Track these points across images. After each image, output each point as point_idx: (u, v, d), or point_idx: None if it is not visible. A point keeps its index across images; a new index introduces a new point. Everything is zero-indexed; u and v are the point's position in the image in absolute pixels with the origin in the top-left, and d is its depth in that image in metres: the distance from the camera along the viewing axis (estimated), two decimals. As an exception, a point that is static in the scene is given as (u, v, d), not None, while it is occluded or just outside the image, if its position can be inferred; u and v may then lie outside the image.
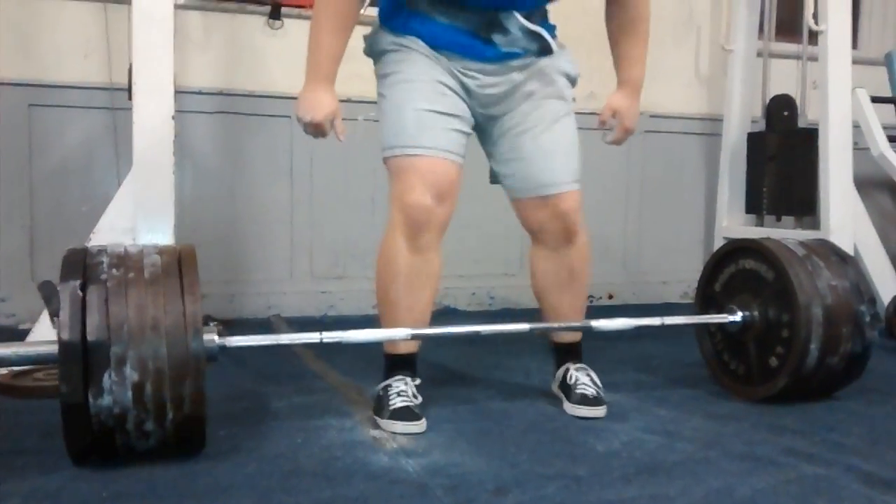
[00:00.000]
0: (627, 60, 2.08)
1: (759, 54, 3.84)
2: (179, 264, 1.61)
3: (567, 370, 2.08)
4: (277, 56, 3.32)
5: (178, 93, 2.59)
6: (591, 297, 3.86)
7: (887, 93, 3.69)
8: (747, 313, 2.15)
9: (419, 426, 1.85)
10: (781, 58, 3.90)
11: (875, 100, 3.43)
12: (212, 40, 3.27)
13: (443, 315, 3.44)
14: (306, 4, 3.38)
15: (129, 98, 2.48)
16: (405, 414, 1.86)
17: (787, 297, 2.05)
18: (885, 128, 3.39)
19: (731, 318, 2.16)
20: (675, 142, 3.98)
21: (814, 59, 3.43)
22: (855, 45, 4.02)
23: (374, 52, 1.99)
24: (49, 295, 1.57)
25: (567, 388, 2.05)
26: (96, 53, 3.10)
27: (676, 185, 4.01)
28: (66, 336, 1.47)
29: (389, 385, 1.94)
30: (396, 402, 1.88)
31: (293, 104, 1.89)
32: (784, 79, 3.82)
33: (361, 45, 2.01)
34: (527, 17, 1.89)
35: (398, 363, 1.98)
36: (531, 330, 2.00)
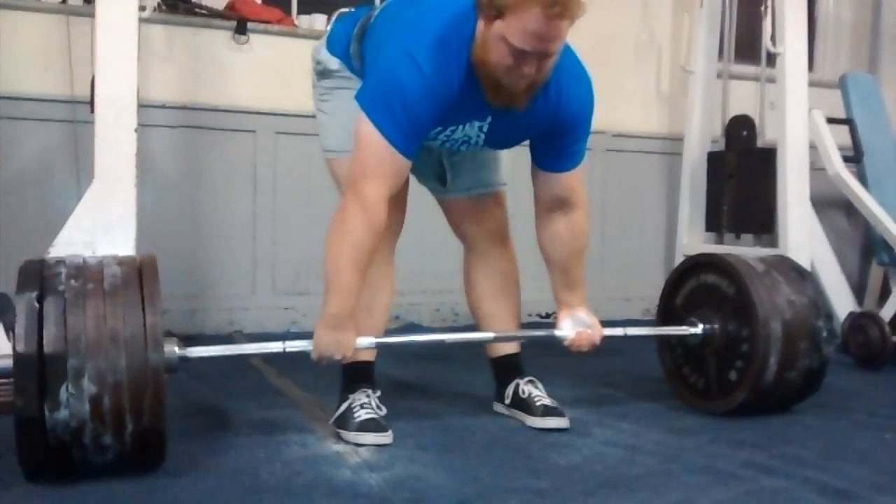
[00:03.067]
0: (579, 282, 2.05)
1: (719, 75, 3.92)
2: (140, 275, 1.59)
3: (517, 385, 2.09)
4: (242, 71, 3.32)
5: (142, 106, 2.57)
6: (553, 313, 3.88)
7: (842, 114, 3.78)
8: (708, 326, 2.17)
9: (387, 437, 1.85)
10: (741, 79, 3.99)
11: (831, 121, 3.51)
12: (176, 54, 3.25)
13: (407, 331, 3.43)
14: (272, 20, 3.39)
15: (92, 111, 2.45)
16: (372, 425, 1.86)
17: (747, 311, 2.08)
18: (839, 148, 3.47)
19: (692, 330, 2.19)
20: (636, 160, 4.03)
21: (772, 80, 3.51)
22: (811, 67, 4.12)
23: (323, 68, 1.98)
24: (4, 307, 1.54)
25: (524, 403, 2.06)
26: (57, 65, 3.07)
27: (638, 203, 4.06)
28: (21, 348, 1.44)
29: (351, 397, 1.93)
30: (362, 415, 1.88)
31: (314, 333, 1.81)
32: (743, 99, 3.90)
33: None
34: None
35: (357, 374, 1.98)
36: (495, 339, 2.03)
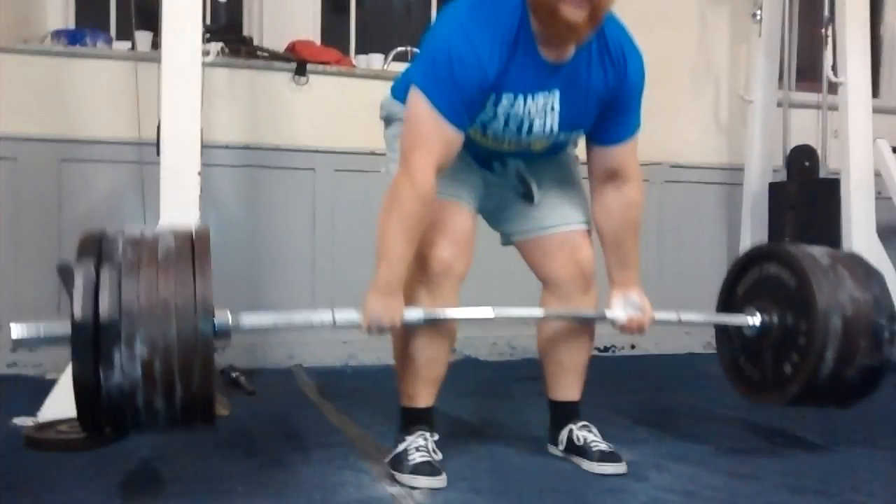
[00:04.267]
0: (633, 260, 2.03)
1: (779, 104, 3.86)
2: (192, 247, 1.62)
3: (570, 432, 2.06)
4: (302, 111, 3.40)
5: (205, 147, 2.65)
6: (612, 346, 3.85)
7: (910, 141, 3.69)
8: (766, 318, 2.11)
9: (440, 481, 1.85)
10: (802, 107, 3.92)
11: (897, 150, 3.43)
12: (239, 96, 3.35)
13: (463, 364, 3.44)
14: (331, 61, 3.47)
15: (158, 153, 2.54)
16: (426, 469, 1.86)
17: (807, 304, 2.00)
18: (907, 178, 3.38)
19: (750, 320, 2.12)
20: (694, 191, 3.98)
21: (834, 108, 3.45)
22: (876, 93, 4.02)
23: (390, 117, 2.03)
24: (66, 277, 1.60)
25: (580, 449, 2.03)
26: (126, 109, 3.18)
27: (697, 234, 4.00)
28: (78, 315, 1.49)
29: (408, 440, 1.94)
30: (416, 458, 1.88)
31: (363, 301, 1.84)
32: (804, 128, 3.83)
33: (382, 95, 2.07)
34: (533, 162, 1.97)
35: (415, 418, 1.99)
36: (545, 315, 2.03)
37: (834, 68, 3.28)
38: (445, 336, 1.98)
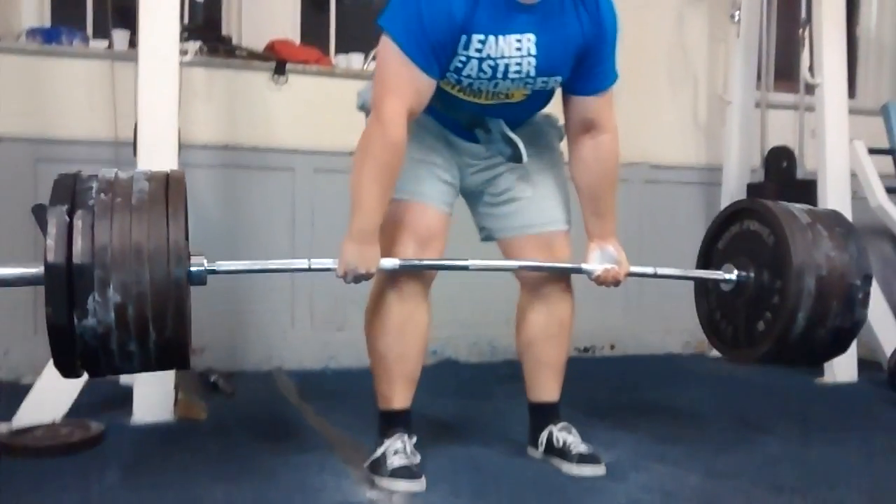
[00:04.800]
0: (609, 212, 2.04)
1: (758, 105, 3.89)
2: (167, 191, 1.62)
3: (550, 433, 2.07)
4: (281, 110, 3.37)
5: (183, 147, 2.63)
6: (592, 346, 3.86)
7: (885, 141, 3.72)
8: (742, 274, 2.10)
9: (419, 484, 1.85)
10: (780, 108, 3.95)
11: (873, 151, 3.46)
12: (217, 95, 3.32)
13: (443, 366, 3.44)
14: (310, 60, 3.45)
15: (135, 153, 2.51)
16: (405, 472, 1.86)
17: (782, 263, 2.00)
18: (882, 177, 3.41)
19: (726, 275, 2.13)
20: (673, 191, 4.00)
21: (812, 109, 3.48)
22: (852, 94, 4.06)
23: (363, 102, 2.01)
24: (41, 218, 1.59)
25: (559, 451, 2.04)
26: (102, 109, 3.15)
27: (676, 234, 3.99)
28: (52, 259, 1.50)
29: (386, 443, 1.94)
30: (395, 461, 1.88)
31: (340, 248, 1.86)
32: (782, 128, 3.86)
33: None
34: (514, 122, 1.96)
35: (394, 420, 1.99)
36: (520, 266, 2.01)
37: (811, 69, 3.31)
38: (415, 332, 1.98)
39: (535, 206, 2.05)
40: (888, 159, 3.69)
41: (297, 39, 3.60)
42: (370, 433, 2.04)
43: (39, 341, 2.97)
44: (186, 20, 3.18)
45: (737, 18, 3.73)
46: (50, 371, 2.42)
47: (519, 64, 1.82)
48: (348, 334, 3.42)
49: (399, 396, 1.99)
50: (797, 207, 2.13)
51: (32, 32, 3.22)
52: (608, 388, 3.05)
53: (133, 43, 2.90)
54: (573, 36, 1.83)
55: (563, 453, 2.03)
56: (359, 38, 3.67)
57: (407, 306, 1.95)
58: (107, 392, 2.49)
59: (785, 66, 4.03)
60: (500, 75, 1.83)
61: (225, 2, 3.62)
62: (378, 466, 1.89)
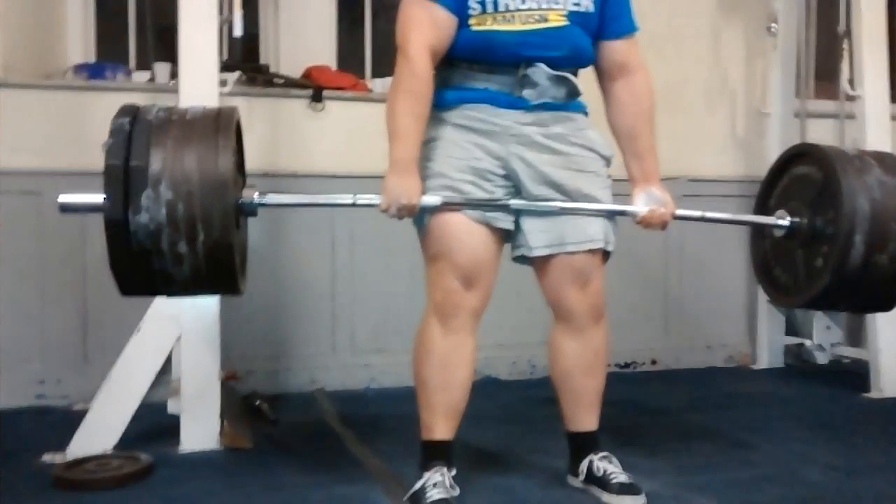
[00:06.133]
0: (650, 152, 2.03)
1: (797, 115, 3.85)
2: (219, 114, 1.81)
3: (591, 462, 2.07)
4: (319, 137, 3.42)
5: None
6: (633, 362, 3.85)
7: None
8: (795, 219, 2.06)
9: (457, 518, 1.87)
10: (819, 117, 3.90)
11: (917, 161, 3.40)
12: (256, 124, 3.37)
13: (483, 384, 3.45)
14: (346, 86, 3.50)
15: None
16: (443, 507, 1.88)
17: (833, 191, 1.94)
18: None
19: (779, 221, 2.08)
20: (714, 205, 3.90)
21: (852, 116, 3.44)
22: (893, 97, 3.98)
23: None
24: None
25: (599, 480, 2.04)
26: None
27: (717, 248, 3.98)
28: (110, 160, 1.66)
29: (426, 476, 1.96)
30: (433, 495, 1.91)
31: (381, 184, 1.91)
32: (822, 138, 3.80)
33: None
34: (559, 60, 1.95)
35: (434, 452, 2.01)
36: (561, 210, 1.94)
37: (851, 82, 3.27)
38: (460, 363, 1.99)
39: (576, 220, 1.98)
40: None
41: (333, 65, 3.65)
42: (411, 462, 2.06)
43: (90, 369, 3.11)
44: (225, 54, 3.25)
45: (773, 30, 3.69)
46: (101, 400, 2.50)
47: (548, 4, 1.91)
48: (388, 357, 3.47)
49: (440, 427, 2.01)
50: (848, 147, 2.10)
51: (79, 68, 3.32)
52: (649, 411, 3.04)
53: (174, 74, 2.97)
54: None
55: (604, 483, 2.03)
56: (395, 62, 3.71)
57: (453, 338, 1.97)
58: (154, 421, 2.55)
59: (824, 71, 3.98)
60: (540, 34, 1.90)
61: (262, 30, 3.69)
62: (417, 500, 1.92)
